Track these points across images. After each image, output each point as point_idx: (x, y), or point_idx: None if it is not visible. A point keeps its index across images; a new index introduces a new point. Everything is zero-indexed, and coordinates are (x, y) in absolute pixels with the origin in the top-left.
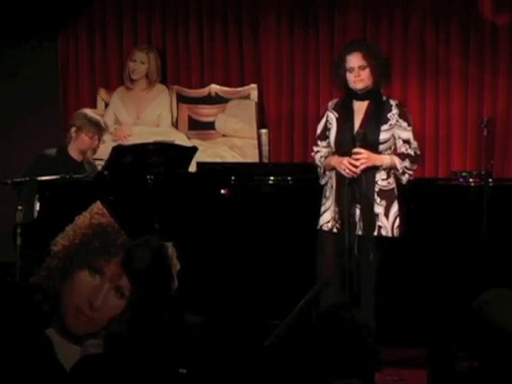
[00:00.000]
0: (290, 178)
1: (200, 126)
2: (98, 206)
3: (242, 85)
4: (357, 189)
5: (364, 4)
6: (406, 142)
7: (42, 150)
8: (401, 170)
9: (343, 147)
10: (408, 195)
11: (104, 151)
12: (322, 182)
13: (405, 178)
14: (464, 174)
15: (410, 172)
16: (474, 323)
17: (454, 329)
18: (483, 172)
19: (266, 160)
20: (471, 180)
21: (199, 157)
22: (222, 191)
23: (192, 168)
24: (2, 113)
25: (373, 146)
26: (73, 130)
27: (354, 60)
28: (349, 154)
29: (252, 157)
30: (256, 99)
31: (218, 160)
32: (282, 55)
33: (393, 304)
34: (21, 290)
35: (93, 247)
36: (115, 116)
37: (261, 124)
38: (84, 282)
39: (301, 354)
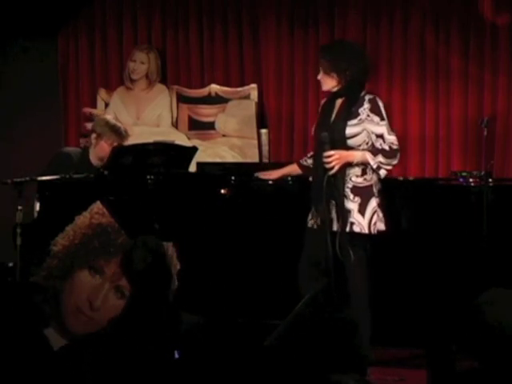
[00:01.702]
0: (289, 179)
1: (200, 126)
2: (98, 206)
3: (242, 85)
4: (329, 186)
5: (364, 4)
6: (380, 136)
7: (62, 149)
8: (375, 166)
9: (316, 146)
10: (408, 195)
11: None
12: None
13: (381, 173)
14: (464, 173)
15: (388, 167)
16: (474, 323)
17: (453, 329)
18: (483, 172)
19: (266, 160)
20: (471, 180)
21: (199, 157)
22: (222, 191)
23: (192, 168)
24: (2, 113)
25: (340, 141)
26: (93, 136)
27: (319, 65)
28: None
29: (252, 157)
30: (256, 99)
31: (218, 160)
32: (282, 55)
33: (393, 304)
34: (21, 290)
35: (93, 247)
36: (115, 116)
37: (261, 124)
38: (84, 281)
39: (300, 354)
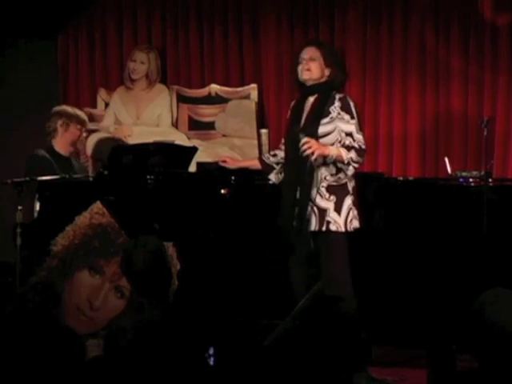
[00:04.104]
0: None
1: (200, 126)
2: (98, 206)
3: (242, 85)
4: (302, 185)
5: (364, 4)
6: (349, 134)
7: (31, 152)
8: (346, 161)
9: (289, 145)
10: (408, 195)
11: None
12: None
13: (350, 171)
14: (464, 173)
15: (356, 165)
16: (474, 323)
17: (453, 329)
18: (483, 172)
19: None
20: (471, 180)
21: (199, 157)
22: (222, 191)
23: (192, 168)
24: (2, 113)
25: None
26: (59, 123)
27: (306, 51)
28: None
29: (252, 157)
30: (256, 99)
31: (218, 160)
32: (282, 55)
33: (393, 304)
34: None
35: (93, 247)
36: (115, 116)
37: (261, 124)
38: (84, 281)
39: (300, 354)
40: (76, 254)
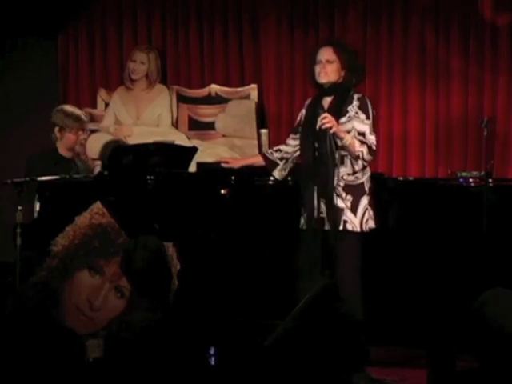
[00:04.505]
0: (290, 179)
1: (200, 126)
2: (98, 206)
3: (242, 85)
4: (320, 184)
5: (364, 4)
6: (361, 134)
7: (31, 152)
8: (357, 154)
9: (305, 144)
10: (408, 195)
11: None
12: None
13: (358, 165)
14: (464, 173)
15: (364, 163)
16: (474, 323)
17: (454, 329)
18: (483, 172)
19: None
20: (471, 180)
21: (199, 157)
22: (222, 191)
23: (192, 168)
24: (2, 113)
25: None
26: (56, 129)
27: (323, 53)
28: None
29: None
30: (256, 99)
31: (218, 160)
32: (282, 55)
33: (393, 304)
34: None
35: (93, 247)
36: (115, 116)
37: (261, 124)
38: (84, 281)
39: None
40: (76, 254)
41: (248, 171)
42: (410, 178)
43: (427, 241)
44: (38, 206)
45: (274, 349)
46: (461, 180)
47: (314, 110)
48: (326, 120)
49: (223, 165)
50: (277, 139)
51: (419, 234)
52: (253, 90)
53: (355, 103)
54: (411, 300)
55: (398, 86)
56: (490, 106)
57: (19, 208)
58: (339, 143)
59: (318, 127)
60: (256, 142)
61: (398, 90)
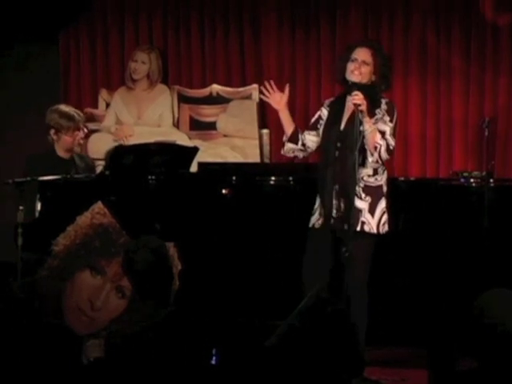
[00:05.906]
0: (291, 178)
1: (201, 126)
2: (99, 206)
3: (244, 85)
4: (339, 184)
5: (365, 4)
6: (382, 133)
7: (30, 153)
8: (375, 145)
9: (328, 143)
10: (409, 195)
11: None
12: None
13: (372, 157)
14: (465, 174)
15: (380, 160)
16: (474, 323)
17: (454, 329)
18: (484, 172)
19: (267, 160)
20: (472, 180)
21: (200, 157)
22: (224, 191)
23: (193, 168)
24: (3, 113)
25: (356, 139)
26: (52, 132)
27: (361, 53)
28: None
29: (253, 157)
30: (257, 99)
31: (219, 160)
32: (283, 55)
33: (393, 304)
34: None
35: (94, 247)
36: (116, 116)
37: (262, 124)
38: (85, 282)
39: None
40: (77, 254)
41: (248, 172)
42: (412, 178)
43: (428, 241)
44: (39, 206)
45: (275, 349)
46: (462, 180)
47: (337, 112)
48: (358, 97)
49: (263, 97)
50: (278, 139)
51: (420, 234)
52: (254, 90)
53: (383, 107)
54: (412, 300)
55: (399, 86)
56: (490, 107)
57: (20, 208)
58: (361, 128)
59: (348, 104)
60: (257, 142)
61: (399, 90)
